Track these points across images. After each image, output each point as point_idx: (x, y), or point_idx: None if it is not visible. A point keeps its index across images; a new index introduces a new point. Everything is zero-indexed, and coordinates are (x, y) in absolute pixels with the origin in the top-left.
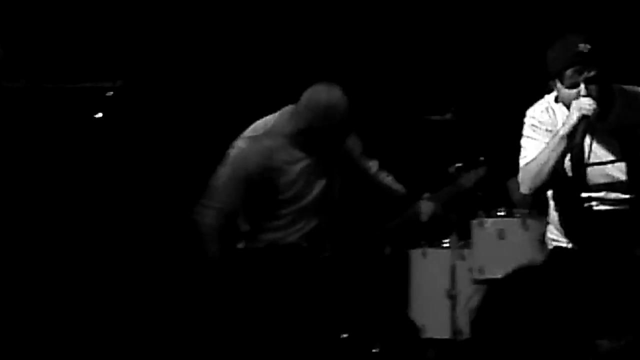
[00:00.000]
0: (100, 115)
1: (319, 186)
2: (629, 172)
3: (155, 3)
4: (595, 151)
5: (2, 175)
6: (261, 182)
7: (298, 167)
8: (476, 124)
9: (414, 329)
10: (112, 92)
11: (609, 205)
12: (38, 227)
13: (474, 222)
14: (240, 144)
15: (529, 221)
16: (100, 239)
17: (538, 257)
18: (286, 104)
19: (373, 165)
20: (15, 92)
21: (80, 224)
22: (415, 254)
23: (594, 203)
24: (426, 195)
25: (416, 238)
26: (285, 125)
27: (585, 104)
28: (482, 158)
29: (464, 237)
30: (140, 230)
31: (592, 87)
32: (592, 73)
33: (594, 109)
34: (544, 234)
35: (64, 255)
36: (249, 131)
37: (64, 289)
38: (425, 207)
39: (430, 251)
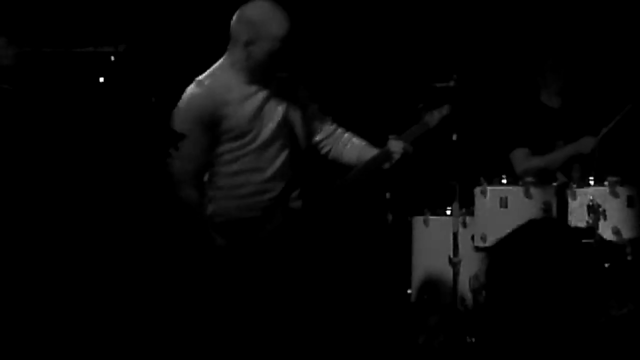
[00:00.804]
0: (102, 80)
1: (272, 124)
2: None
3: None
4: None
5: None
6: (212, 124)
7: (249, 104)
8: (480, 91)
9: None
10: (114, 57)
11: None
12: (42, 193)
13: (477, 189)
14: (189, 89)
15: (532, 190)
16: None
17: None
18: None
19: (315, 109)
20: (16, 56)
21: (83, 192)
22: (418, 221)
23: None
24: (392, 136)
25: (418, 206)
26: (230, 59)
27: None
28: (422, 105)
29: (467, 205)
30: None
31: None
32: None
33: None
34: (547, 203)
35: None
36: (200, 76)
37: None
38: (395, 146)
39: (433, 219)
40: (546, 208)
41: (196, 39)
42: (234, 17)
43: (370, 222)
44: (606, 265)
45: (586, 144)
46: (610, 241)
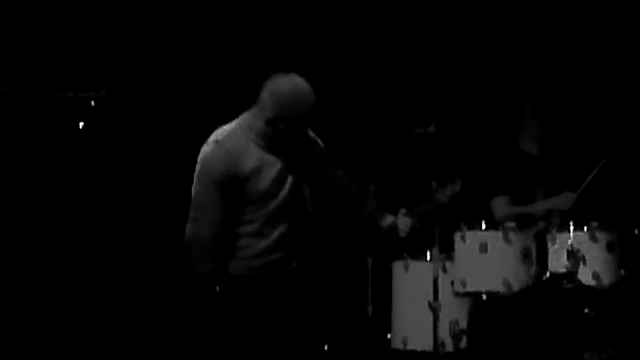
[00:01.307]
0: (82, 124)
1: (283, 194)
2: None
3: (138, 13)
4: None
5: None
6: (231, 187)
7: (264, 171)
8: (459, 137)
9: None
10: (94, 102)
11: None
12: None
13: (456, 234)
14: (206, 149)
15: (512, 235)
16: (82, 246)
17: (520, 271)
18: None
19: (339, 172)
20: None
21: (61, 232)
22: (398, 266)
23: None
24: (402, 210)
25: (398, 250)
26: (251, 123)
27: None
28: (455, 174)
29: (447, 250)
30: (122, 238)
31: None
32: None
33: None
34: (526, 248)
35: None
36: (213, 134)
37: (53, 303)
38: (403, 223)
39: (413, 263)
40: (526, 253)
41: (177, 85)
42: (265, 88)
43: (351, 266)
44: (586, 310)
45: (566, 200)
46: (589, 286)
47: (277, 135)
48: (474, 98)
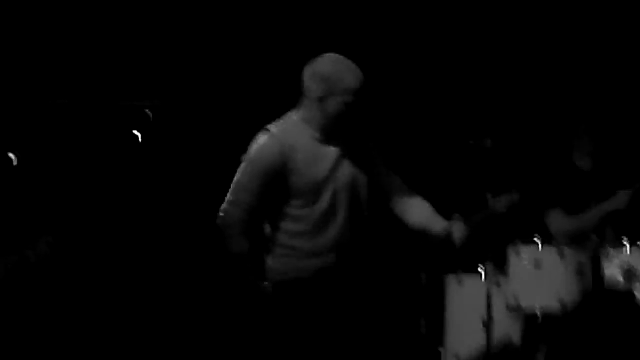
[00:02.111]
0: (138, 133)
1: (338, 188)
2: None
3: (194, 29)
4: None
5: (46, 186)
6: (277, 179)
7: (318, 164)
8: (514, 151)
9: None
10: (150, 111)
11: None
12: (76, 240)
13: (511, 249)
14: (260, 138)
15: (566, 251)
16: (133, 254)
17: (575, 287)
18: None
19: (396, 178)
20: (60, 108)
21: (115, 240)
22: (451, 280)
23: None
24: (456, 215)
25: (452, 264)
26: (305, 115)
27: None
28: (515, 185)
29: (501, 265)
30: (172, 248)
31: None
32: None
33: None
34: (581, 264)
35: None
36: (272, 125)
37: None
38: (458, 231)
39: (466, 278)
40: (580, 269)
41: (230, 96)
42: (306, 73)
43: (405, 281)
44: None
45: (621, 198)
46: None
47: (332, 115)
48: (529, 113)
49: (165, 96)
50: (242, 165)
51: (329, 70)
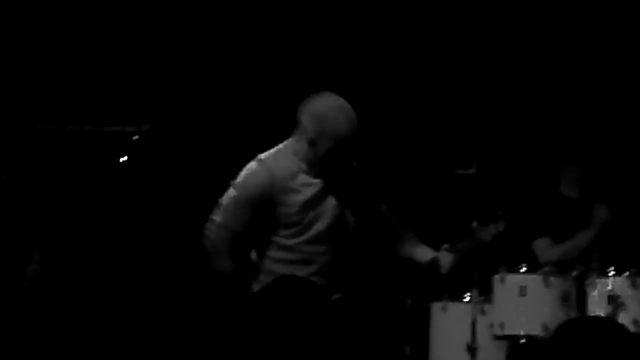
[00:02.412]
0: (125, 158)
1: (326, 218)
2: None
3: (177, 52)
4: None
5: (30, 211)
6: (266, 208)
7: (306, 195)
8: (500, 179)
9: None
10: (137, 136)
11: None
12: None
13: (496, 277)
14: (251, 165)
15: (552, 278)
16: (124, 274)
17: (560, 315)
18: None
19: (382, 205)
20: (46, 134)
21: (105, 264)
22: (436, 307)
23: None
24: (445, 246)
25: (437, 291)
26: (295, 147)
27: None
28: (500, 212)
29: (486, 292)
30: (163, 268)
31: None
32: None
33: None
34: (566, 292)
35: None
36: (264, 154)
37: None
38: (445, 259)
39: (451, 305)
40: (565, 297)
41: (214, 120)
42: (302, 110)
43: (389, 305)
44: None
45: (602, 211)
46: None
47: (320, 157)
48: (514, 141)
49: (153, 121)
50: (231, 190)
51: (325, 113)
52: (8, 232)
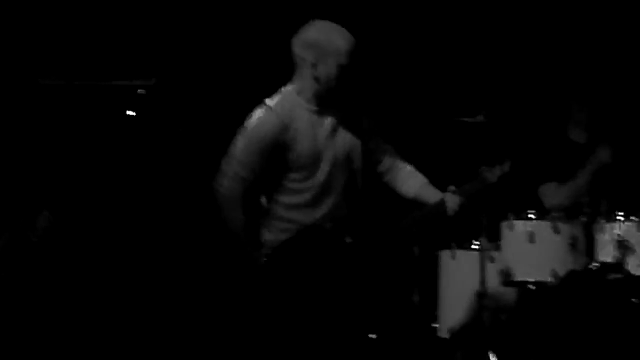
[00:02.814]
0: (132, 112)
1: (334, 157)
2: None
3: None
4: None
5: (38, 168)
6: (275, 153)
7: (314, 135)
8: (508, 126)
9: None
10: (144, 90)
11: None
12: (70, 220)
13: (504, 224)
14: (258, 111)
15: (560, 225)
16: (128, 233)
17: (569, 262)
18: None
19: (389, 147)
20: (53, 89)
21: (108, 218)
22: (445, 255)
23: None
24: (451, 188)
25: (446, 239)
26: (298, 86)
27: None
28: (506, 156)
29: (494, 239)
30: (168, 226)
31: None
32: None
33: None
34: (574, 238)
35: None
36: (268, 99)
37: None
38: (451, 201)
39: (460, 252)
40: (574, 243)
41: (220, 74)
42: (295, 43)
43: (398, 255)
44: (634, 300)
45: (603, 153)
46: (638, 276)
47: (325, 80)
48: (522, 87)
49: (159, 75)
50: (239, 138)
51: (318, 35)
52: (17, 189)
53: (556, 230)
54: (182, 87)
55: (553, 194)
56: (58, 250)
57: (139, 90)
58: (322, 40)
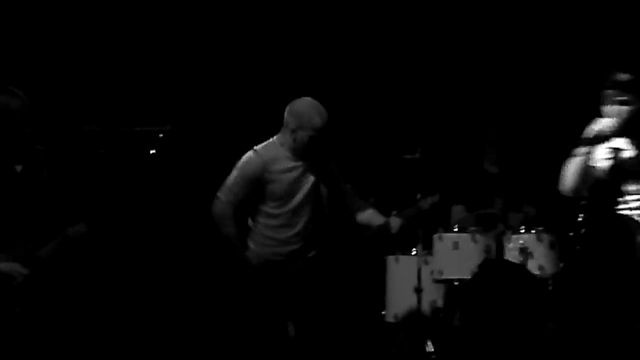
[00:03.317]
0: (154, 151)
1: (304, 192)
2: None
3: (191, 65)
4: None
5: (78, 203)
6: (259, 186)
7: (289, 176)
8: (438, 160)
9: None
10: (162, 134)
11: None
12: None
13: (435, 235)
14: (248, 153)
15: (477, 236)
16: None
17: None
18: None
19: (348, 186)
20: (93, 133)
21: (131, 229)
22: (390, 259)
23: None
24: (394, 212)
25: (391, 248)
26: (281, 139)
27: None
28: (436, 189)
29: (428, 247)
30: (178, 236)
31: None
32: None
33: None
34: (488, 246)
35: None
36: (258, 146)
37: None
38: (394, 222)
39: (402, 257)
40: (488, 250)
41: (220, 120)
42: (287, 109)
43: (356, 261)
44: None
45: (513, 218)
46: (536, 275)
47: (300, 144)
48: (450, 128)
49: (173, 123)
50: (233, 173)
51: (303, 110)
52: (65, 205)
53: (474, 240)
54: (191, 132)
55: (458, 214)
56: (87, 254)
57: (159, 135)
58: (305, 116)
